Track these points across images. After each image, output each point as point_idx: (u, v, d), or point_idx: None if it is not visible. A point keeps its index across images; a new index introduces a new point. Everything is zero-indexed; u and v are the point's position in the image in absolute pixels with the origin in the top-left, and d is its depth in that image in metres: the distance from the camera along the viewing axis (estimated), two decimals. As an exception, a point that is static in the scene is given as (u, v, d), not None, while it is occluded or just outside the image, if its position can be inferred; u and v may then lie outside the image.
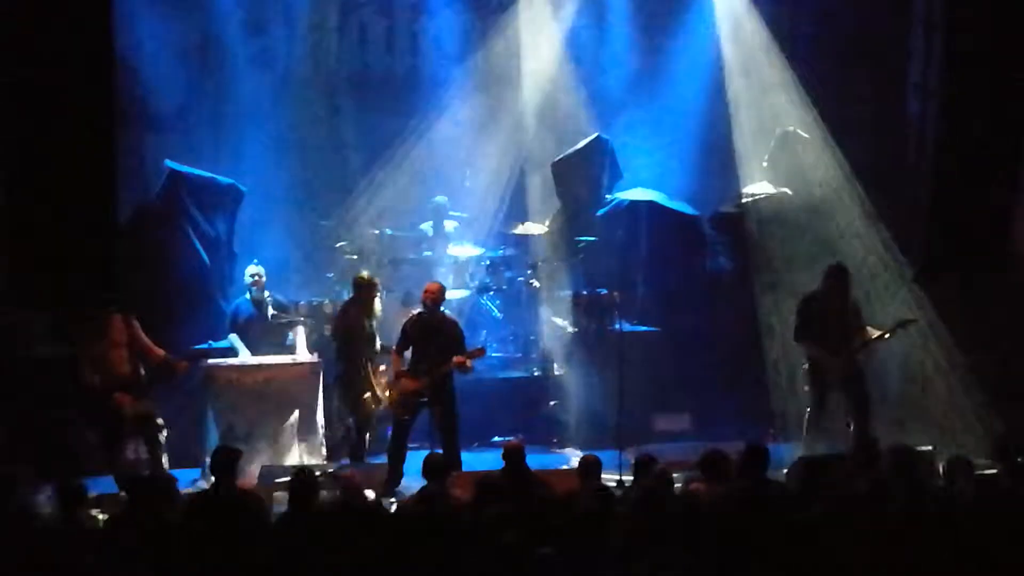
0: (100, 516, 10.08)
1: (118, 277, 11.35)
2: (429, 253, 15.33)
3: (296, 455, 12.61)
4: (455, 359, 12.28)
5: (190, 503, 9.09)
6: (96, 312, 11.67)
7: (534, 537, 7.77)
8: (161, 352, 11.87)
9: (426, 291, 12.51)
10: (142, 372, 11.80)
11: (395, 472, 12.33)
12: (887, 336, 12.55)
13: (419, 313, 12.56)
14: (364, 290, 12.72)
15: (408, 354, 12.52)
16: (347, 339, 12.62)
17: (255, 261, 13.52)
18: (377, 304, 12.85)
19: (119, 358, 11.69)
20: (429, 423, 12.57)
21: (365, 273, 13.03)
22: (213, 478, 9.28)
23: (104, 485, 11.84)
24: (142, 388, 11.80)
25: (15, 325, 12.78)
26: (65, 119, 10.31)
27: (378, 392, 12.56)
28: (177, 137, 15.32)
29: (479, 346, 13.00)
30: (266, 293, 13.34)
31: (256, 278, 13.32)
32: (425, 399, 12.34)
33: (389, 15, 16.21)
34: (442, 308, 12.58)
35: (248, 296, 13.35)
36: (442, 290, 12.63)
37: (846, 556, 7.56)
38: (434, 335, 12.37)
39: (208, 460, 10.54)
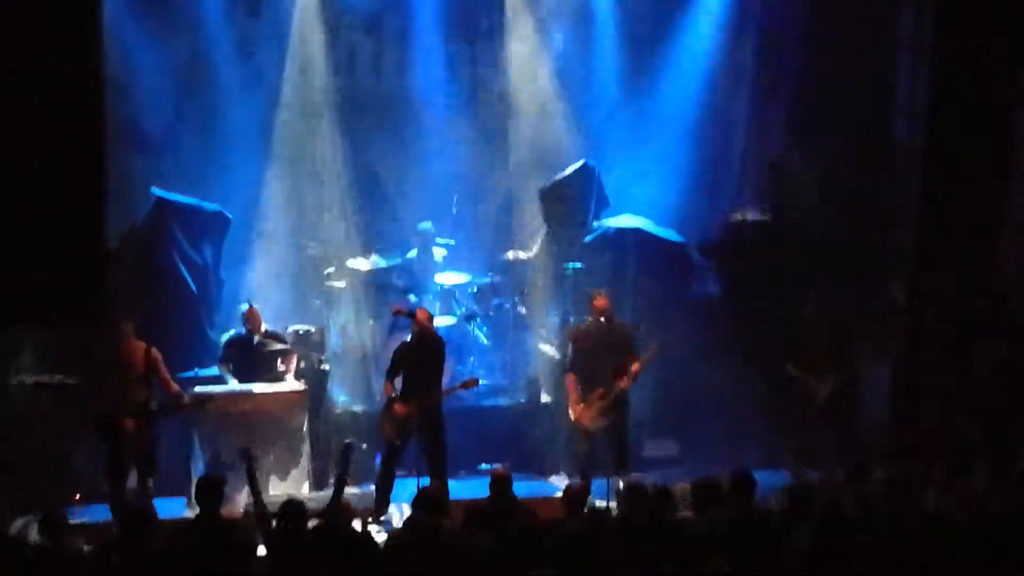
0: (86, 547, 10.04)
1: (104, 300, 11.29)
2: (412, 281, 15.30)
3: (283, 484, 12.56)
4: (460, 384, 12.53)
5: (175, 532, 9.06)
6: (116, 340, 11.81)
7: (521, 565, 7.75)
8: (176, 388, 12.02)
9: (415, 317, 12.59)
10: (153, 404, 11.85)
11: (382, 500, 12.31)
12: (868, 363, 12.60)
13: (408, 340, 12.60)
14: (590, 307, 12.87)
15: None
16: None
17: (248, 301, 13.42)
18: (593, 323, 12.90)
19: (133, 386, 11.81)
20: (416, 450, 12.56)
21: (596, 292, 13.05)
22: (198, 507, 9.25)
23: (96, 514, 11.92)
24: (151, 419, 11.82)
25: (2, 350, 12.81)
26: (53, 140, 10.24)
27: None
28: (165, 159, 15.28)
29: (471, 377, 13.09)
30: (264, 327, 13.28)
31: (246, 316, 13.24)
32: (415, 425, 12.34)
33: (377, 39, 16.17)
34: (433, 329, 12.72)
35: (244, 330, 13.29)
36: (430, 317, 12.73)
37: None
38: (423, 361, 12.43)
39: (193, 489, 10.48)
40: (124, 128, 14.15)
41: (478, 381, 12.99)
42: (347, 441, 11.00)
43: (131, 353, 11.91)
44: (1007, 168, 13.22)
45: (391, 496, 12.40)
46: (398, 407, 12.37)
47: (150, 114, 15.11)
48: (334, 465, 12.88)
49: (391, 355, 12.75)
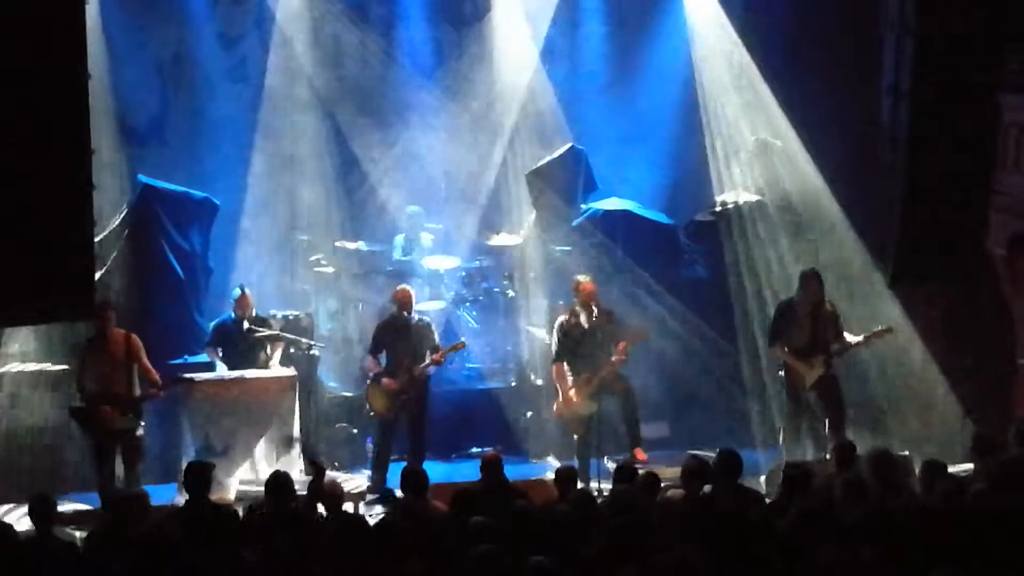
0: (77, 533, 10.06)
1: (93, 292, 11.30)
2: (407, 258, 15.28)
3: (273, 469, 12.55)
4: (433, 356, 12.74)
5: (165, 518, 9.07)
6: (101, 328, 11.83)
7: (513, 547, 7.75)
8: (154, 376, 12.02)
9: (394, 294, 13.03)
10: (137, 392, 11.84)
11: (380, 476, 12.64)
12: (863, 344, 12.60)
13: (389, 317, 13.00)
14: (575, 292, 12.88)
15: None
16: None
17: (241, 285, 13.40)
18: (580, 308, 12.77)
19: (116, 375, 11.84)
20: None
21: (580, 277, 13.01)
22: (187, 493, 9.27)
23: (88, 501, 11.93)
24: (133, 406, 11.83)
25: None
26: (38, 133, 10.25)
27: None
28: (152, 151, 15.31)
29: (457, 341, 13.42)
30: (254, 313, 13.24)
31: (238, 300, 13.21)
32: (404, 397, 12.71)
33: (362, 27, 16.14)
34: (414, 312, 13.04)
35: (233, 315, 13.26)
36: (409, 293, 13.04)
37: (820, 561, 7.55)
38: (404, 337, 12.81)
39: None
40: (110, 121, 14.17)
41: (464, 344, 13.43)
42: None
43: (113, 341, 11.90)
44: (992, 150, 13.23)
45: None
46: (387, 381, 12.73)
47: (136, 106, 15.15)
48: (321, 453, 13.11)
49: (373, 332, 13.11)
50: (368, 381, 13.09)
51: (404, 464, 11.76)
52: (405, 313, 12.92)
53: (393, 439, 12.95)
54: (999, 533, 7.89)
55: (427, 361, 12.80)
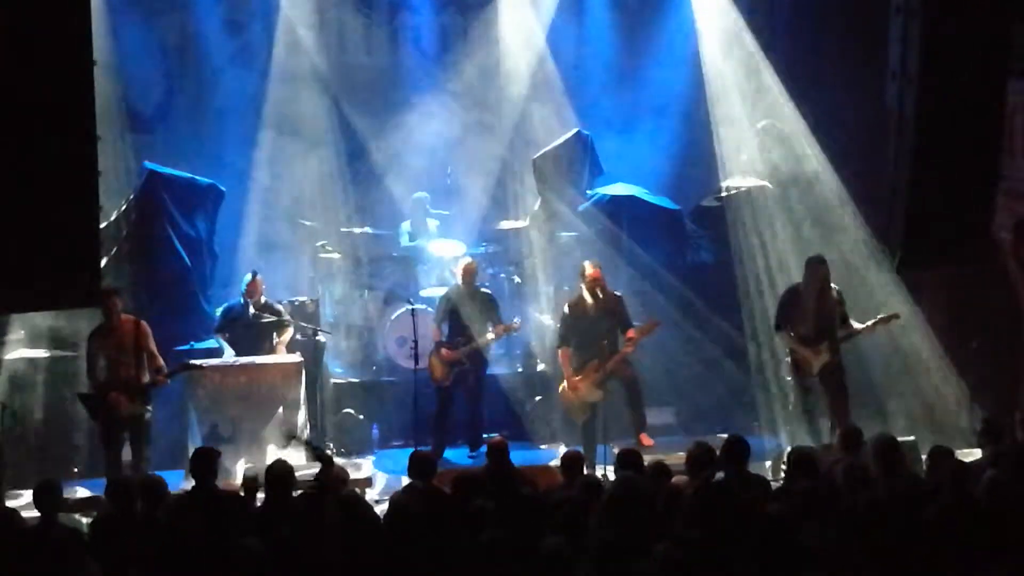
0: (84, 520, 10.08)
1: (98, 278, 11.31)
2: (413, 243, 15.28)
3: (279, 455, 12.56)
4: (495, 329, 13.35)
5: (171, 504, 9.08)
6: (107, 314, 11.82)
7: (518, 532, 7.76)
8: (159, 362, 12.04)
9: (461, 269, 13.58)
10: (146, 379, 11.86)
11: (438, 443, 13.11)
12: (869, 330, 12.58)
13: (453, 288, 13.54)
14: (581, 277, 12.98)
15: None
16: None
17: (254, 271, 13.43)
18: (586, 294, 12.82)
19: (124, 361, 11.85)
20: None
21: (587, 263, 13.08)
22: (193, 479, 9.29)
23: (97, 487, 11.96)
24: (142, 393, 11.84)
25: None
26: (44, 119, 10.23)
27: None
28: (157, 137, 15.35)
29: (510, 322, 13.68)
30: (263, 299, 13.27)
31: (249, 285, 13.23)
32: (461, 368, 13.32)
33: (368, 12, 16.16)
34: (477, 283, 13.61)
35: (241, 300, 13.30)
36: (473, 266, 13.60)
37: (823, 547, 7.55)
38: (465, 309, 13.39)
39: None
40: (116, 108, 14.17)
41: (517, 325, 13.72)
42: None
43: (121, 328, 11.92)
44: (998, 135, 13.19)
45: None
46: (446, 351, 13.30)
47: (142, 93, 15.19)
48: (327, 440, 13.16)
49: (438, 302, 13.71)
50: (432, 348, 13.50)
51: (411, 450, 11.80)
52: (466, 285, 13.43)
53: (451, 408, 13.49)
54: (1006, 520, 7.89)
55: (489, 334, 13.35)
